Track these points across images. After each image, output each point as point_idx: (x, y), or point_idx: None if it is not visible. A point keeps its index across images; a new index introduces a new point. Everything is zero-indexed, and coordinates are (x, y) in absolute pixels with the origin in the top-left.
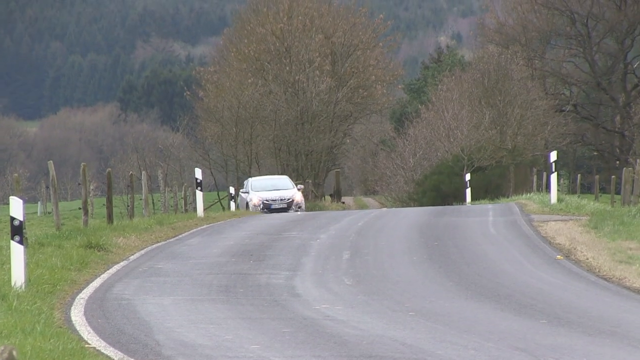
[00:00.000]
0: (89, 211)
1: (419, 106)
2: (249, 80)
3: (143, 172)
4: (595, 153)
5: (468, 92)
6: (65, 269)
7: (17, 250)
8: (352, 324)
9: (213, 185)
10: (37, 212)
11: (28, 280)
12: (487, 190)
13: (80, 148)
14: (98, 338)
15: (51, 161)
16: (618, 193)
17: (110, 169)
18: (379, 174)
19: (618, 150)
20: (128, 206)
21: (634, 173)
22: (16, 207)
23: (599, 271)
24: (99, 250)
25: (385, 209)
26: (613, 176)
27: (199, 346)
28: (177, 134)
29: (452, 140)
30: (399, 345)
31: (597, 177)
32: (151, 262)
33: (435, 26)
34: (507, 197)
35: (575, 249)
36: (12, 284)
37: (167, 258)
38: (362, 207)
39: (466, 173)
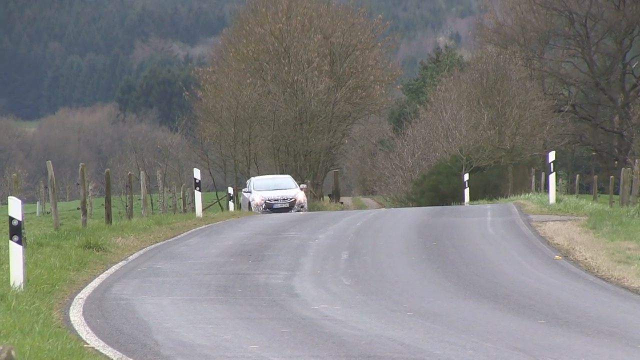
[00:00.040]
0: (88, 211)
1: (418, 106)
2: (248, 81)
3: (142, 172)
4: (593, 153)
5: (466, 92)
6: (64, 269)
7: (15, 250)
8: (350, 324)
9: (212, 185)
10: (35, 212)
11: (27, 280)
12: (486, 191)
13: (78, 148)
14: (97, 338)
15: (50, 161)
16: (617, 193)
17: (108, 169)
18: (378, 174)
19: (616, 151)
20: (127, 206)
21: (633, 173)
22: (15, 207)
23: (597, 271)
24: (97, 251)
25: (383, 209)
26: (611, 176)
27: (197, 346)
28: (176, 134)
29: (450, 140)
30: (397, 345)
31: (595, 177)
32: (150, 262)
33: (433, 26)
34: (506, 197)
35: (573, 249)
36: (11, 284)
37: (165, 258)
38: (361, 207)
39: (464, 173)
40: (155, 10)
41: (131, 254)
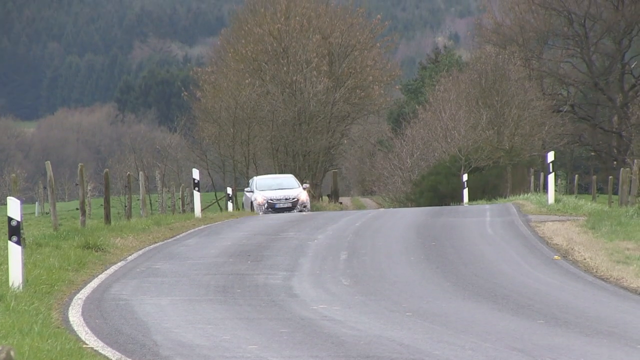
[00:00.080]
0: (87, 212)
1: (417, 107)
2: (247, 81)
3: (140, 173)
4: (592, 153)
5: (465, 92)
6: (63, 270)
7: (14, 251)
8: (349, 325)
9: (210, 185)
10: (34, 213)
11: (26, 281)
12: (485, 191)
13: (77, 148)
14: (96, 338)
15: (49, 161)
16: (615, 193)
17: (107, 169)
18: (377, 175)
19: (615, 151)
20: (125, 206)
21: (632, 173)
22: (14, 208)
23: (596, 271)
24: (96, 251)
25: (382, 209)
26: (610, 176)
27: (196, 346)
28: (175, 134)
29: (449, 140)
30: (396, 346)
31: (594, 177)
32: (149, 263)
33: (432, 26)
34: (505, 197)
35: (572, 249)
36: (10, 284)
37: (164, 258)
38: (360, 207)
39: (463, 173)
40: (154, 11)
41: (130, 255)
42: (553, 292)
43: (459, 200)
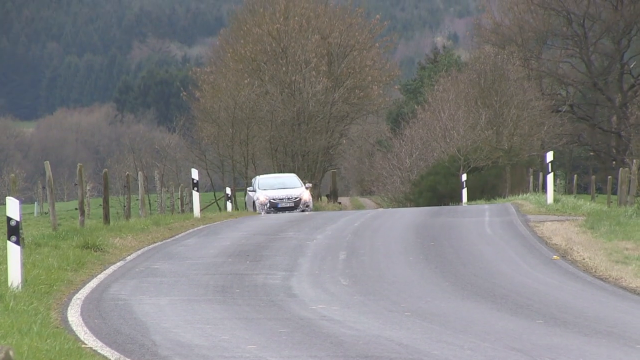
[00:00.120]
0: (86, 211)
1: (415, 107)
2: (246, 81)
3: (139, 173)
4: (591, 153)
5: (464, 92)
6: (62, 270)
7: (13, 251)
8: (348, 324)
9: (209, 185)
10: (33, 213)
11: (25, 281)
12: (484, 191)
13: (76, 148)
14: (94, 338)
15: (48, 161)
16: (614, 193)
17: (106, 169)
18: (376, 175)
19: (614, 151)
20: (124, 207)
21: (630, 173)
22: (13, 208)
23: (595, 271)
24: (95, 251)
25: (381, 209)
26: (609, 176)
27: (195, 346)
28: (174, 134)
29: (448, 140)
30: (395, 346)
31: (593, 177)
32: (148, 263)
33: (431, 26)
34: (504, 197)
35: (571, 249)
36: (9, 284)
37: (163, 258)
38: (359, 207)
39: (462, 173)
40: (153, 11)
41: (129, 255)
42: (552, 292)
43: (458, 200)
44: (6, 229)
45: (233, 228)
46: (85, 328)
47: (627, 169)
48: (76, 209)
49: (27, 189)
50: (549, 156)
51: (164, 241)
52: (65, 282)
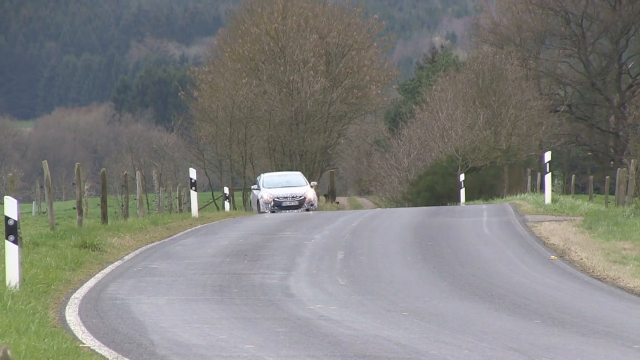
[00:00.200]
0: (84, 211)
1: (413, 106)
2: (244, 81)
3: (137, 172)
4: (589, 153)
5: (462, 92)
6: (60, 269)
7: (11, 250)
8: (346, 324)
9: (207, 185)
10: (31, 212)
11: (22, 280)
12: (482, 191)
13: (74, 148)
14: (92, 338)
15: (45, 161)
16: (612, 193)
17: (104, 168)
18: (374, 174)
19: (612, 151)
20: (122, 206)
21: (628, 173)
22: (10, 207)
23: (593, 271)
24: (93, 250)
25: (379, 209)
26: (607, 176)
27: (193, 346)
28: (172, 134)
29: (446, 140)
30: (392, 345)
31: (591, 177)
32: (145, 262)
33: (429, 26)
34: (502, 197)
35: (569, 249)
36: (7, 283)
37: (161, 258)
38: (357, 207)
39: (460, 173)
40: (151, 10)
41: (127, 254)
42: (550, 292)
43: (456, 200)
44: (4, 228)
45: (231, 228)
46: (83, 327)
47: (625, 169)
48: (74, 208)
49: (25, 189)
50: (547, 156)
51: (162, 241)
52: (63, 281)
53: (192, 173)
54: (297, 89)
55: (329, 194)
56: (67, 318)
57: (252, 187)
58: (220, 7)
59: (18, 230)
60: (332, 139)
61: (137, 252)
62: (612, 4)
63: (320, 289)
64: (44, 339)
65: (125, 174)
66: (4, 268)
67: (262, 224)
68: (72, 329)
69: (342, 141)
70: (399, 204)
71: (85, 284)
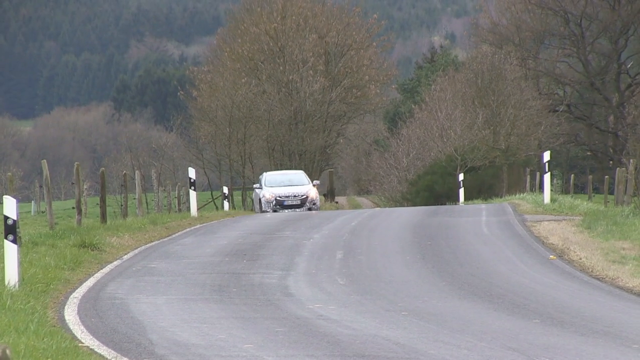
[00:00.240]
0: (83, 210)
1: (413, 106)
2: (243, 80)
3: (136, 172)
4: (588, 153)
5: (461, 92)
6: (59, 268)
7: (10, 250)
8: (345, 324)
9: (206, 185)
10: (30, 212)
11: (22, 280)
12: (481, 190)
13: (73, 147)
14: (91, 337)
15: (45, 160)
16: (611, 193)
17: (103, 168)
18: (373, 174)
19: (611, 150)
20: (122, 206)
21: (627, 173)
22: (10, 206)
23: (592, 271)
24: (92, 250)
25: (378, 208)
26: (606, 176)
27: (192, 345)
28: (171, 133)
29: (445, 140)
30: (392, 345)
31: (590, 177)
32: (145, 262)
33: (429, 26)
34: (501, 197)
35: (568, 249)
36: (6, 283)
37: (160, 257)
38: (356, 206)
39: (459, 173)
40: (150, 10)
41: (126, 254)
42: (549, 291)
43: (455, 199)
44: (3, 227)
45: (230, 227)
46: (82, 327)
47: (624, 168)
48: (73, 207)
49: (24, 188)
50: (546, 156)
51: (161, 240)
52: (62, 281)
53: (191, 172)
54: (296, 89)
55: (328, 194)
56: (66, 317)
57: (254, 185)
58: (219, 7)
59: (17, 230)
60: (331, 138)
61: (136, 251)
62: (611, 4)
63: (319, 289)
64: (43, 339)
65: (125, 173)
66: (3, 267)
67: (261, 223)
68: (71, 328)
69: (341, 141)
70: (398, 203)
71: (84, 284)
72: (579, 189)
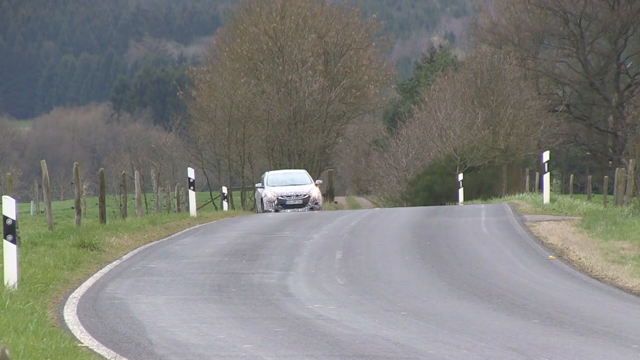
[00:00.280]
0: (82, 210)
1: (412, 106)
2: (242, 80)
3: (136, 172)
4: (587, 153)
5: (461, 92)
6: (58, 268)
7: (9, 250)
8: (344, 324)
9: (206, 185)
10: (30, 212)
11: (21, 280)
12: (480, 191)
13: (73, 147)
14: (91, 337)
15: (44, 160)
16: (611, 193)
17: (102, 168)
18: (372, 174)
19: (611, 150)
20: (121, 206)
21: (627, 173)
22: (9, 206)
23: (591, 271)
24: (91, 250)
25: (378, 208)
26: (606, 176)
27: (191, 345)
28: (170, 133)
29: (444, 140)
30: (391, 345)
31: (589, 177)
32: (144, 262)
33: (428, 26)
34: (500, 197)
35: (567, 249)
36: (5, 283)
37: (159, 257)
38: (355, 207)
39: (459, 173)
40: (150, 10)
41: (125, 254)
42: (548, 291)
43: (455, 199)
44: (2, 227)
45: (229, 227)
46: (81, 327)
47: (623, 168)
48: (72, 207)
49: (24, 188)
50: (546, 156)
51: (160, 240)
52: (61, 281)
53: (191, 172)
54: (295, 89)
55: (328, 194)
56: (66, 317)
57: (256, 185)
58: (218, 7)
59: (16, 230)
60: (331, 138)
61: (135, 251)
62: (610, 4)
63: (318, 289)
64: (42, 339)
65: (124, 173)
66: (3, 267)
67: (261, 223)
68: (71, 328)
69: (341, 141)
70: (397, 203)
71: (84, 284)
72: (579, 189)
